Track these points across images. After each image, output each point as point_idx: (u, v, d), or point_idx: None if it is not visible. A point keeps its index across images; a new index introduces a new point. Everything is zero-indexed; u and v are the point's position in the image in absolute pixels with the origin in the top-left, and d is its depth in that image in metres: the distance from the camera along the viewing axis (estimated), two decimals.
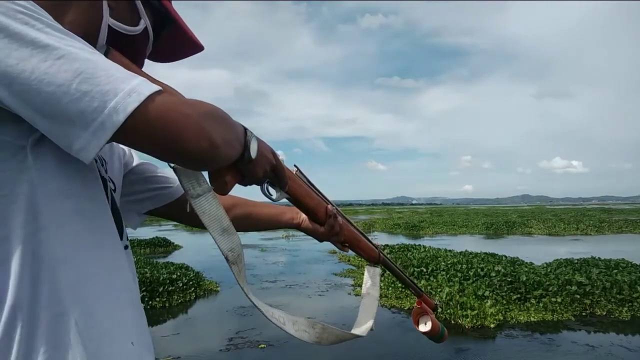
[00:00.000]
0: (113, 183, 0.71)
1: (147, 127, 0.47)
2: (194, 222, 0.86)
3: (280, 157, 0.77)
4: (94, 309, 0.53)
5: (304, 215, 0.97)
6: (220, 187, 0.64)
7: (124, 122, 0.46)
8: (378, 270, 1.13)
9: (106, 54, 0.57)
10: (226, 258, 0.64)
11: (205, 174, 0.65)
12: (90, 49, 0.49)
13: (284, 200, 0.83)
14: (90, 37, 0.58)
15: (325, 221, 0.93)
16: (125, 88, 0.46)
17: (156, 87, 0.49)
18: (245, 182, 0.68)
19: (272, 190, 0.77)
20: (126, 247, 0.67)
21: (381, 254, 1.10)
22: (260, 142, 0.66)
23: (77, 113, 0.45)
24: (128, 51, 0.63)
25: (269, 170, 0.70)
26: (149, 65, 0.72)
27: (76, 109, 0.45)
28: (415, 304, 1.22)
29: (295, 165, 0.88)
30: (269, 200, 0.80)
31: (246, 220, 0.96)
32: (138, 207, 0.85)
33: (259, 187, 0.74)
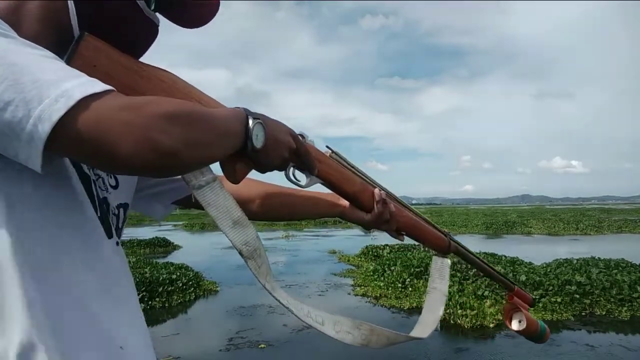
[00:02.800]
0: (115, 179, 0.67)
1: (78, 137, 0.42)
2: None
3: (309, 138, 0.72)
4: (79, 315, 0.51)
5: (346, 202, 0.86)
6: (230, 176, 0.60)
7: (51, 131, 0.41)
8: (447, 261, 0.99)
9: (78, 42, 0.51)
10: (240, 253, 0.59)
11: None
12: (25, 49, 0.44)
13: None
14: (62, 15, 0.53)
15: (372, 207, 0.83)
16: (52, 94, 0.41)
17: (97, 89, 0.43)
18: (260, 170, 0.62)
19: (300, 175, 0.71)
20: (117, 244, 0.63)
21: (452, 242, 0.97)
22: (271, 127, 0.60)
23: (4, 125, 0.41)
24: (115, 24, 0.55)
25: (287, 156, 0.63)
26: (149, 56, 0.62)
27: (2, 121, 0.41)
28: (507, 299, 1.07)
29: (327, 147, 0.79)
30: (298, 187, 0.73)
31: (281, 210, 0.89)
32: (162, 198, 0.81)
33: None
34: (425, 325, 0.90)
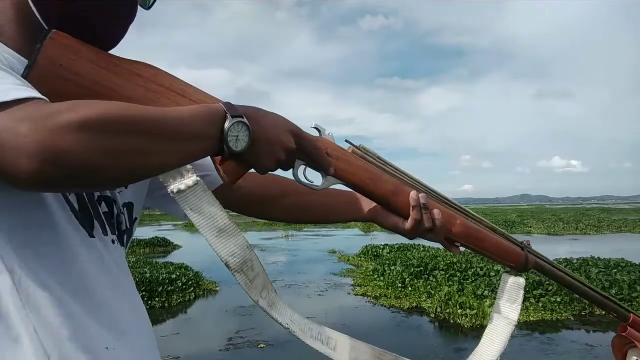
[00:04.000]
0: None
1: None
2: (251, 211, 0.77)
3: (328, 132, 0.64)
4: (54, 314, 0.49)
5: (378, 206, 0.73)
6: (222, 177, 0.56)
7: None
8: (521, 281, 0.77)
9: (43, 40, 0.49)
10: (227, 265, 0.54)
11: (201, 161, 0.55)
12: None
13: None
14: (31, 14, 0.52)
15: (409, 213, 0.69)
16: None
17: (5, 98, 0.40)
18: (258, 171, 0.57)
19: (316, 175, 0.64)
20: (113, 242, 0.60)
21: (530, 256, 0.76)
22: (263, 124, 0.54)
23: None
24: (84, 10, 0.52)
25: (284, 158, 0.56)
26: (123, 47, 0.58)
27: None
28: (618, 331, 0.83)
29: (347, 141, 0.68)
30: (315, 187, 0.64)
31: (301, 212, 0.79)
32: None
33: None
34: (480, 359, 0.74)
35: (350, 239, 17.23)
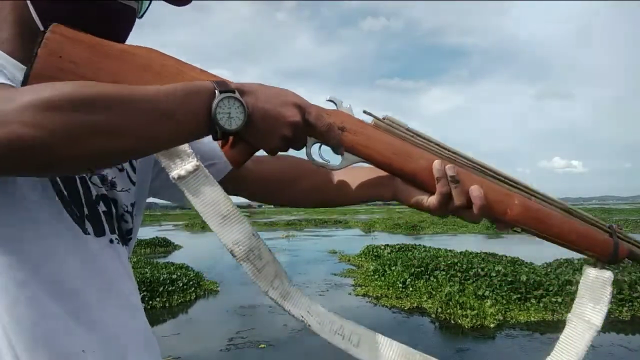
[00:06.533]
0: (130, 177, 0.64)
1: None
2: (266, 197, 0.75)
3: (346, 104, 0.59)
4: (27, 317, 0.48)
5: (399, 181, 0.64)
6: (228, 159, 0.54)
7: None
8: (607, 275, 0.63)
9: (44, 33, 0.48)
10: (232, 254, 0.52)
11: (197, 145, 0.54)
12: None
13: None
14: (30, 16, 0.52)
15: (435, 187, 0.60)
16: None
17: None
18: (267, 152, 0.53)
19: (333, 154, 0.59)
20: (111, 242, 0.58)
21: (622, 242, 0.63)
22: (261, 99, 0.50)
23: None
24: (78, 16, 0.52)
25: (290, 135, 0.52)
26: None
27: None
28: None
29: (365, 112, 0.60)
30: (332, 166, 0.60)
31: (318, 194, 0.74)
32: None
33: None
34: None
35: (350, 239, 17.23)
